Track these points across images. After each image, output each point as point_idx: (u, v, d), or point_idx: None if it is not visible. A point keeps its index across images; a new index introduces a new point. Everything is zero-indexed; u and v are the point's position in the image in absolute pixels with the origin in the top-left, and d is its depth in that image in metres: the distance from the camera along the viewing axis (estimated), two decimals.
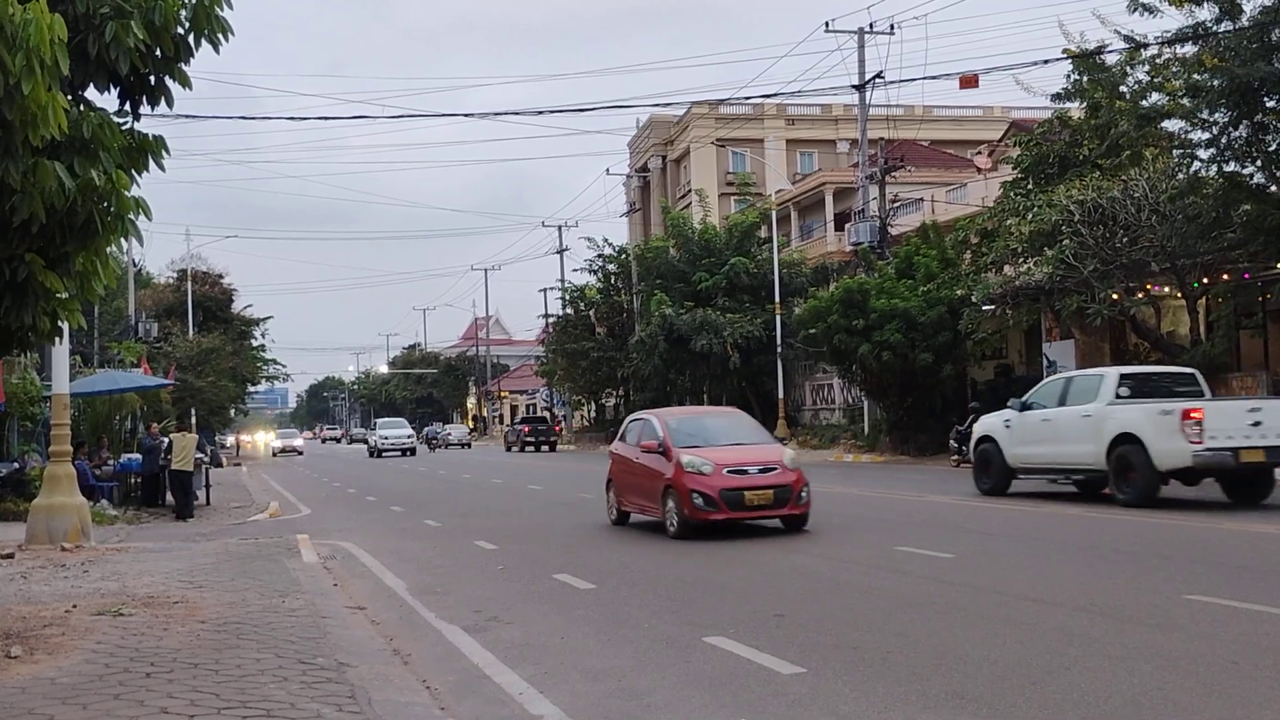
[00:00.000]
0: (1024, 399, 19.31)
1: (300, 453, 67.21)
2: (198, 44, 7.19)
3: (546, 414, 69.81)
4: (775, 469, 13.92)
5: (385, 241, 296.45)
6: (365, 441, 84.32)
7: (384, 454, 55.83)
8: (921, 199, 42.34)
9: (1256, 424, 15.55)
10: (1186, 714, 5.71)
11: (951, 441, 28.18)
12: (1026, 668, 6.71)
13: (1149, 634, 7.48)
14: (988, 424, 19.83)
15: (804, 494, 14.00)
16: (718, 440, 14.68)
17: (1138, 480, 16.11)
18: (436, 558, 13.32)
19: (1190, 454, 15.41)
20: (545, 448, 55.42)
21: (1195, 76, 21.39)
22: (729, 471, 13.71)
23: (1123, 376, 17.67)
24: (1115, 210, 24.70)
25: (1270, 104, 21.25)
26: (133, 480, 23.14)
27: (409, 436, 60.01)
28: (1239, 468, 15.55)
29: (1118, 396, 17.16)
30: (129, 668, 6.69)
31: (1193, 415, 15.55)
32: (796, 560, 11.78)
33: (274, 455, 65.15)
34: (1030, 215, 26.67)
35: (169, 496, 22.04)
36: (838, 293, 33.93)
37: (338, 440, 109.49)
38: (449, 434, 74.17)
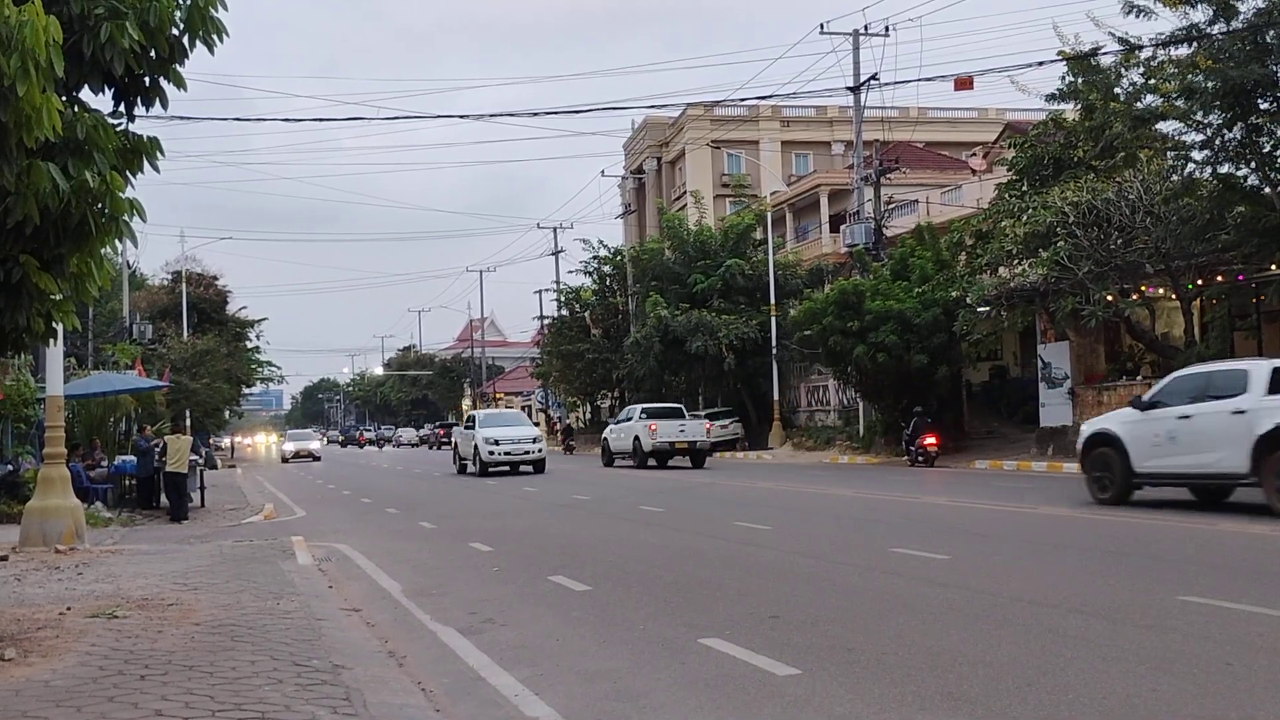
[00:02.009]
0: (617, 418, 39.09)
1: (317, 458, 56.15)
2: (192, 45, 7.15)
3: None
4: None
5: (380, 243, 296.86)
6: (428, 443, 76.31)
7: (494, 470, 33.06)
8: (916, 201, 42.38)
9: (683, 430, 33.91)
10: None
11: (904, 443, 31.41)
12: (1021, 667, 6.71)
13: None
14: (615, 428, 37.00)
15: None
16: None
17: (639, 455, 34.07)
18: (431, 559, 13.29)
19: (651, 444, 33.65)
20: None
21: (1190, 78, 21.41)
22: None
23: (643, 409, 35.71)
24: (1110, 212, 24.71)
25: (1264, 105, 21.29)
26: (127, 482, 23.09)
27: (535, 439, 34.35)
28: (673, 450, 33.63)
29: (640, 417, 35.04)
30: (123, 670, 6.66)
31: (651, 427, 33.93)
32: (792, 562, 11.79)
33: (284, 461, 56.48)
34: (1025, 217, 26.68)
35: (164, 499, 22.01)
36: (833, 294, 33.96)
37: None
38: (400, 436, 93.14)
